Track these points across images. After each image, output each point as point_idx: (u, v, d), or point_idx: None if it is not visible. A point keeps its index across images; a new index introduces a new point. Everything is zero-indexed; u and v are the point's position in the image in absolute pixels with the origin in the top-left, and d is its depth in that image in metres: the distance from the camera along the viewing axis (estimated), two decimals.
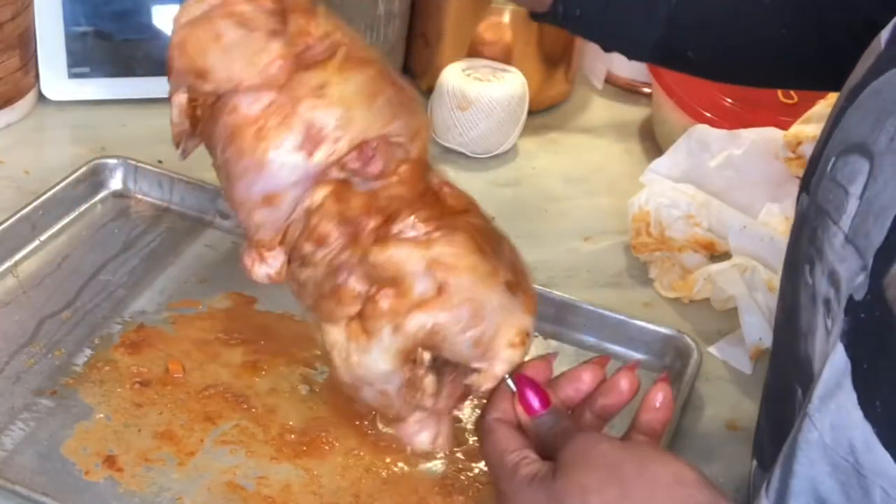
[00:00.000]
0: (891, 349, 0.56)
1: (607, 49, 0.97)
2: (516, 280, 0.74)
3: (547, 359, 0.74)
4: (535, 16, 0.94)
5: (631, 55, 0.97)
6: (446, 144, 1.25)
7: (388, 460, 0.87)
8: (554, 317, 1.01)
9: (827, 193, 0.64)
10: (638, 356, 1.00)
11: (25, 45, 1.21)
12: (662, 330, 1.01)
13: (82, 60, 1.25)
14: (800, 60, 0.91)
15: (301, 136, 0.72)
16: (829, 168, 0.65)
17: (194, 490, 0.84)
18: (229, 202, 0.76)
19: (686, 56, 0.92)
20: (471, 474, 0.87)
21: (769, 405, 0.77)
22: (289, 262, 0.76)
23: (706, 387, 0.99)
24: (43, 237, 1.05)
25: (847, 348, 0.59)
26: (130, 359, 0.94)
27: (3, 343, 0.94)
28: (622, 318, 1.01)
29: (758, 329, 1.03)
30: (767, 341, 1.03)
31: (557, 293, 1.02)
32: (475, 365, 0.73)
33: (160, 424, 0.88)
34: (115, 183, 1.12)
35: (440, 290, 0.71)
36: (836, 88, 0.71)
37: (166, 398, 0.90)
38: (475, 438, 0.89)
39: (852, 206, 0.61)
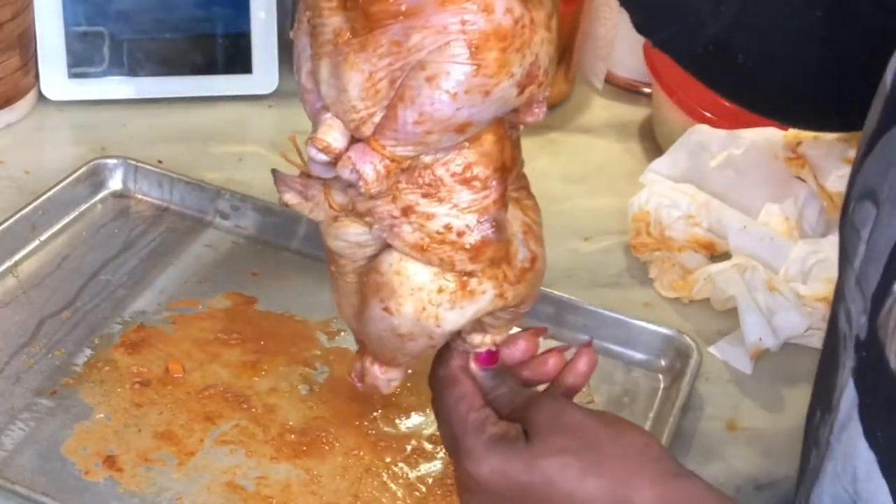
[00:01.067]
0: (883, 385, 0.60)
1: (659, 42, 0.88)
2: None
3: (536, 331, 0.74)
4: None
5: (682, 48, 0.88)
6: None
7: (388, 460, 0.87)
8: (554, 317, 1.01)
9: (847, 236, 0.67)
10: (638, 356, 1.00)
11: (25, 45, 1.21)
12: (662, 330, 1.01)
13: (82, 60, 1.25)
14: (842, 85, 0.85)
15: (524, 71, 0.63)
16: (849, 213, 0.67)
17: (194, 490, 0.84)
18: (349, 319, 0.71)
19: (735, 59, 0.86)
20: None
21: (806, 423, 0.77)
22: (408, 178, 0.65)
23: (706, 387, 0.99)
24: (43, 237, 1.05)
25: (856, 383, 0.63)
26: (130, 359, 0.94)
27: (3, 343, 0.94)
28: (622, 318, 1.01)
29: (758, 329, 1.02)
30: (767, 341, 1.03)
31: (557, 293, 1.02)
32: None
33: (160, 424, 0.88)
34: (115, 183, 1.12)
35: (532, 263, 0.69)
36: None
37: (166, 398, 0.90)
38: None
39: (862, 249, 0.64)
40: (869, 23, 0.83)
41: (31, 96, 1.24)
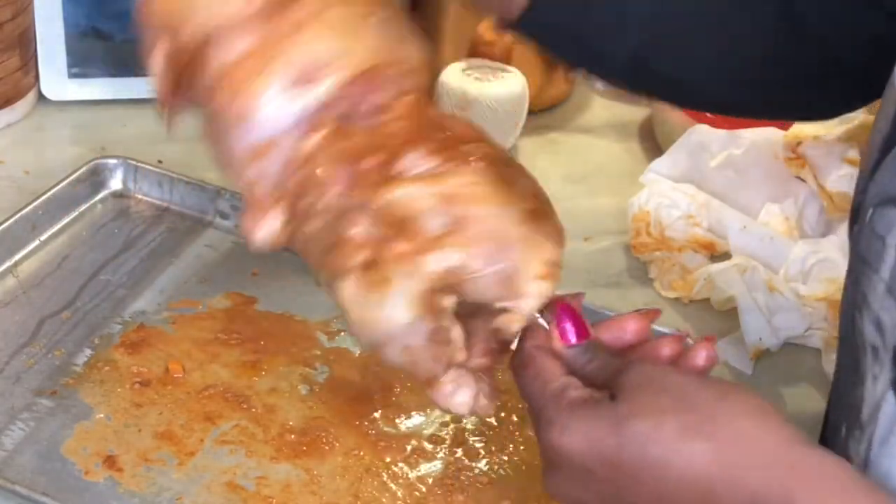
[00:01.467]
0: None
1: (578, 64, 0.89)
2: (539, 208, 0.68)
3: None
4: (504, 24, 0.84)
5: (603, 71, 0.88)
6: None
7: (388, 460, 0.87)
8: None
9: (868, 244, 0.65)
10: None
11: (25, 45, 1.21)
12: (662, 330, 1.00)
13: (82, 60, 1.25)
14: (794, 82, 0.84)
15: (291, 75, 0.66)
16: (867, 219, 0.65)
17: (194, 490, 0.84)
18: (221, 167, 0.71)
19: (664, 74, 0.85)
20: (471, 474, 0.87)
21: (826, 439, 0.76)
22: (291, 220, 0.70)
23: None
24: (43, 237, 1.05)
25: None
26: (130, 359, 0.93)
27: (3, 343, 0.94)
28: None
29: (758, 329, 1.02)
30: (767, 341, 1.03)
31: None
32: (501, 305, 0.67)
33: (160, 424, 0.88)
34: (115, 183, 1.12)
35: (457, 224, 0.65)
36: (835, 114, 0.70)
37: (166, 398, 0.90)
38: (475, 438, 0.89)
39: (891, 256, 0.62)
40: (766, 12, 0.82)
41: (31, 96, 1.24)
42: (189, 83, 0.70)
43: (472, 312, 0.68)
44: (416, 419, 0.90)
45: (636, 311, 0.69)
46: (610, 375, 0.62)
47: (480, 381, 0.70)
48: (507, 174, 0.68)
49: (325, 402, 0.91)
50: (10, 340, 0.94)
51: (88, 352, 0.94)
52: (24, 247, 1.03)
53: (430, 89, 0.71)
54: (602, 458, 0.59)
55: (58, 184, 1.07)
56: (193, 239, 1.08)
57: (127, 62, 1.26)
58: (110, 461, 0.85)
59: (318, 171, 0.68)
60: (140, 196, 1.12)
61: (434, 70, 0.72)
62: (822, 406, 0.84)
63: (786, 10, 0.82)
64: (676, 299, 1.09)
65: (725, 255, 1.12)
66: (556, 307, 0.66)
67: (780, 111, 0.95)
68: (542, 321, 0.67)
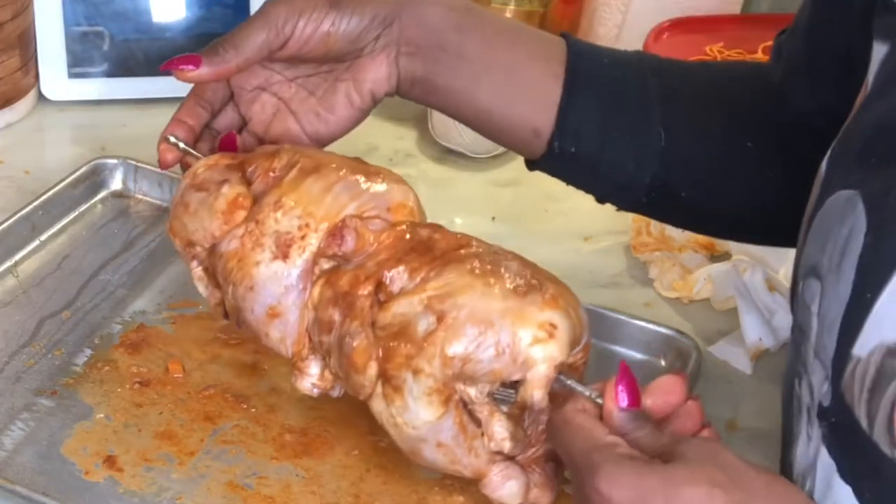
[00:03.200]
0: (859, 446, 0.61)
1: (601, 197, 0.93)
2: (526, 283, 0.73)
3: (681, 376, 0.70)
4: (530, 164, 0.91)
5: (626, 200, 0.92)
6: (446, 144, 1.25)
7: (388, 460, 0.87)
8: None
9: (800, 314, 0.69)
10: (638, 356, 1.00)
11: (25, 45, 1.21)
12: (662, 330, 1.01)
13: (82, 60, 1.25)
14: (789, 205, 0.84)
15: (273, 247, 0.79)
16: (798, 292, 0.70)
17: (194, 490, 0.84)
18: (255, 338, 0.82)
19: (680, 196, 0.89)
20: None
21: None
22: (325, 364, 0.80)
23: (706, 387, 0.99)
24: (43, 237, 1.05)
25: (829, 450, 0.64)
26: (130, 359, 0.94)
27: (3, 343, 0.94)
28: (622, 318, 1.01)
29: (758, 329, 1.03)
30: (767, 341, 1.03)
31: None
32: (516, 377, 0.71)
33: (160, 424, 0.88)
34: (115, 183, 1.12)
35: (440, 318, 0.71)
36: None
37: (166, 398, 0.90)
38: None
39: (814, 323, 0.66)
40: (804, 147, 0.84)
41: (31, 96, 1.24)
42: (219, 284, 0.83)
43: (523, 407, 0.72)
44: None
45: (671, 373, 0.71)
46: (661, 446, 0.64)
47: (531, 472, 0.74)
48: (495, 263, 0.74)
49: (325, 402, 0.91)
50: (10, 340, 0.94)
51: (88, 352, 0.94)
52: (24, 247, 1.03)
53: (410, 220, 0.79)
54: None
55: (58, 184, 1.08)
56: None
57: (127, 62, 1.26)
58: (110, 461, 0.85)
59: (323, 314, 0.77)
60: (140, 196, 1.12)
61: (410, 201, 0.82)
62: None
63: (786, 141, 0.87)
64: (676, 299, 1.09)
65: (725, 255, 1.12)
66: (619, 368, 0.67)
67: (787, 239, 0.93)
68: (569, 383, 0.70)
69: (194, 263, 0.85)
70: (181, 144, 0.86)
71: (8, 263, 1.02)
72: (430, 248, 0.76)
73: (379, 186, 0.80)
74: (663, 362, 1.00)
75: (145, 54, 1.26)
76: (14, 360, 0.93)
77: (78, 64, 1.25)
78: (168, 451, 0.86)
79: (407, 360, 0.72)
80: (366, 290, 0.75)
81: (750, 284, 1.05)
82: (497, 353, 0.71)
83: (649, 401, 0.67)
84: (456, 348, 0.71)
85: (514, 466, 0.74)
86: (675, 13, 1.38)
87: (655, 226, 1.13)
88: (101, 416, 0.88)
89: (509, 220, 1.18)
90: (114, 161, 1.12)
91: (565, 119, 0.86)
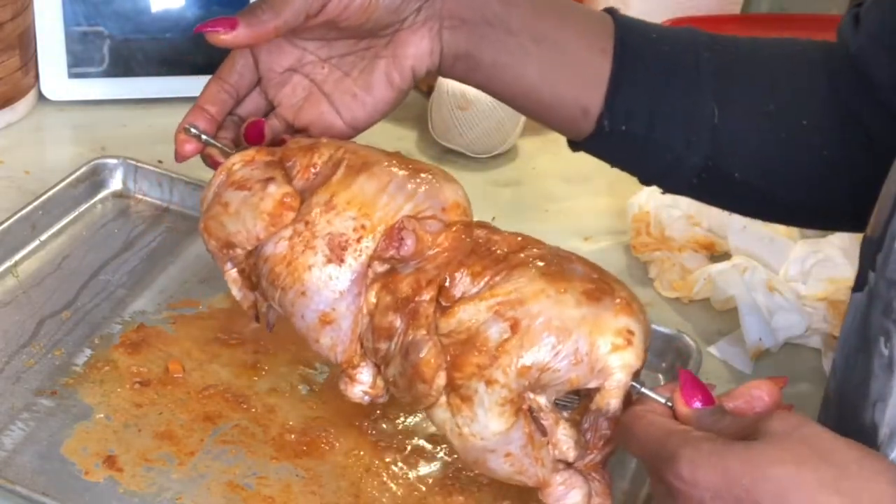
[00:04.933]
0: None
1: (648, 179, 0.89)
2: (597, 287, 0.71)
3: (777, 382, 0.67)
4: (573, 145, 0.88)
5: (675, 182, 0.89)
6: (446, 145, 1.25)
7: (388, 460, 0.87)
8: None
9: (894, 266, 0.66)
10: None
11: (25, 45, 1.21)
12: (662, 330, 1.00)
13: (82, 60, 1.25)
14: (849, 187, 0.83)
15: (326, 250, 0.75)
16: (890, 244, 0.67)
17: (194, 490, 0.84)
18: (306, 343, 0.79)
19: (732, 178, 0.86)
20: (471, 474, 0.86)
21: None
22: (378, 371, 0.77)
23: None
24: (43, 237, 1.05)
25: None
26: (130, 359, 0.93)
27: (3, 343, 0.94)
28: None
29: (758, 329, 1.03)
30: (767, 341, 1.03)
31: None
32: (593, 385, 0.70)
33: (160, 424, 0.88)
34: (115, 183, 1.12)
35: (514, 326, 0.70)
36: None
37: (166, 398, 0.90)
38: None
39: None
40: (866, 124, 0.83)
41: (31, 96, 1.24)
42: (260, 288, 0.80)
43: (582, 411, 0.72)
44: (416, 419, 0.90)
45: (768, 378, 0.68)
46: (743, 427, 0.62)
47: (592, 480, 0.73)
48: (560, 266, 0.72)
49: (325, 402, 0.91)
50: (10, 340, 0.94)
51: (88, 352, 0.94)
52: (24, 247, 1.03)
53: (465, 220, 0.77)
54: (734, 496, 0.58)
55: (58, 184, 1.08)
56: (193, 239, 1.08)
57: (127, 62, 1.26)
58: (110, 461, 0.85)
59: (381, 320, 0.74)
60: (140, 196, 1.12)
61: (464, 199, 0.79)
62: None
63: (851, 119, 0.84)
64: (676, 299, 1.09)
65: (725, 255, 1.12)
66: (680, 374, 0.67)
67: (841, 222, 0.93)
68: (644, 390, 0.69)
69: (229, 265, 0.81)
70: (202, 136, 0.82)
71: (8, 263, 1.02)
72: (490, 250, 0.74)
73: (433, 186, 0.77)
74: (663, 362, 1.00)
75: (145, 54, 1.26)
76: (14, 360, 0.93)
77: (78, 64, 1.25)
78: (168, 451, 0.86)
79: (479, 369, 0.70)
80: (428, 295, 0.73)
81: (750, 284, 1.05)
82: (575, 362, 0.69)
83: (731, 404, 0.65)
84: (533, 358, 0.69)
85: (577, 475, 0.73)
86: (675, 13, 1.38)
87: (655, 226, 1.13)
88: (101, 416, 0.88)
89: (509, 220, 1.17)
90: (114, 161, 1.12)
91: (615, 96, 0.83)
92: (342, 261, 0.75)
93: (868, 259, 0.70)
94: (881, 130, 0.80)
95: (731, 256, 1.10)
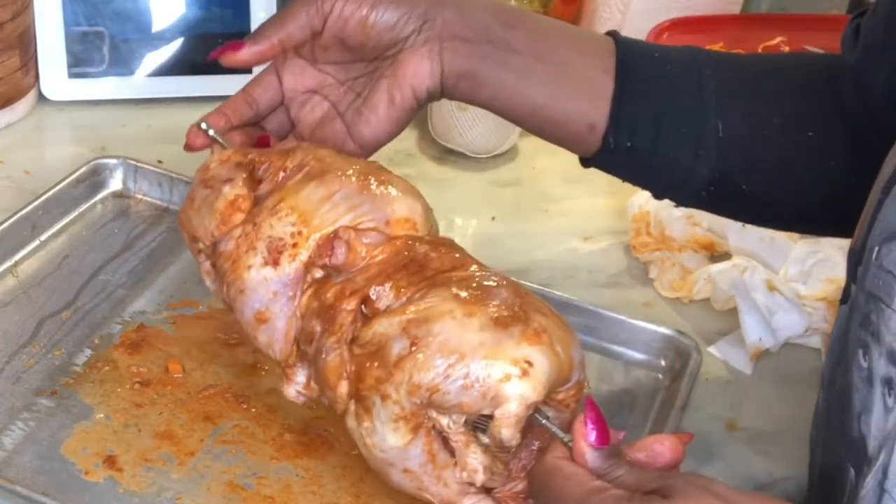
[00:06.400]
0: None
1: (659, 193, 0.91)
2: (511, 315, 0.70)
3: (681, 438, 0.67)
4: (584, 161, 0.89)
5: (685, 195, 0.90)
6: (446, 144, 1.25)
7: None
8: None
9: (876, 280, 0.66)
10: (638, 356, 1.00)
11: (25, 45, 1.21)
12: (662, 330, 1.01)
13: (82, 60, 1.25)
14: (859, 196, 0.82)
15: (265, 252, 0.78)
16: (874, 257, 0.67)
17: (194, 490, 0.84)
18: (248, 339, 0.81)
19: (740, 190, 0.87)
20: None
21: (818, 487, 0.76)
22: (312, 374, 0.78)
23: (706, 387, 0.99)
24: (43, 237, 1.05)
25: None
26: (130, 359, 0.94)
27: (3, 343, 0.94)
28: (622, 318, 1.01)
29: (758, 329, 1.03)
30: (767, 341, 1.03)
31: (557, 293, 1.02)
32: (486, 412, 0.69)
33: (160, 424, 0.88)
34: (115, 183, 1.12)
35: (413, 344, 0.69)
36: None
37: (166, 398, 0.90)
38: None
39: None
40: (868, 135, 0.83)
41: (31, 96, 1.24)
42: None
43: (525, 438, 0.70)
44: None
45: (672, 433, 0.68)
46: (646, 483, 0.62)
47: None
48: (482, 290, 0.71)
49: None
50: (10, 340, 0.94)
51: (88, 352, 0.94)
52: (24, 247, 1.03)
53: (411, 235, 0.77)
54: None
55: (58, 184, 1.08)
56: None
57: (127, 62, 1.26)
58: (110, 461, 0.85)
59: (305, 325, 0.76)
60: (140, 196, 1.12)
61: (419, 214, 0.79)
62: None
63: (855, 129, 0.85)
64: (676, 299, 1.09)
65: (725, 255, 1.12)
66: (585, 402, 0.65)
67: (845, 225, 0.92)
68: (549, 425, 0.67)
69: (202, 258, 0.84)
70: (211, 132, 0.85)
71: (8, 263, 1.02)
72: (423, 266, 0.74)
73: (383, 198, 0.78)
74: (663, 362, 1.00)
75: (145, 54, 1.26)
76: (14, 360, 0.92)
77: (78, 64, 1.25)
78: (168, 451, 0.86)
79: (377, 382, 0.70)
80: (350, 304, 0.74)
81: (750, 284, 1.05)
82: (465, 387, 0.68)
83: (633, 455, 0.65)
84: (424, 377, 0.68)
85: (488, 500, 0.72)
86: (674, 13, 1.38)
87: (655, 226, 1.13)
88: (101, 416, 0.88)
89: (509, 220, 1.18)
90: (114, 161, 1.12)
91: (619, 112, 0.84)
92: (277, 264, 0.77)
93: (851, 271, 0.71)
94: (879, 142, 0.80)
95: (731, 256, 1.10)
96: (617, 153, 0.86)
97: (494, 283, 0.72)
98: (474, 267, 0.75)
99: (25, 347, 0.94)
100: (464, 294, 0.71)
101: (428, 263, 0.74)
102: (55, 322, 0.97)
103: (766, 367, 1.03)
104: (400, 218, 0.78)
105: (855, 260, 0.70)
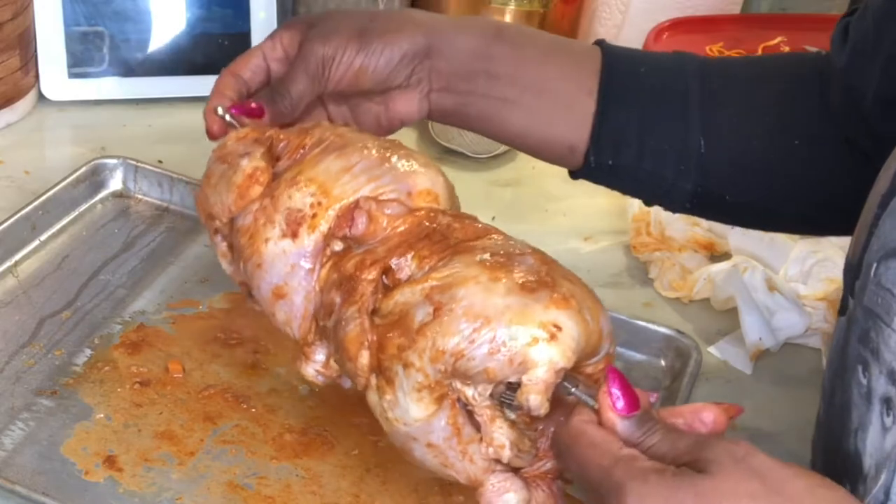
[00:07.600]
0: None
1: (648, 202, 0.94)
2: (538, 280, 0.67)
3: (729, 409, 0.64)
4: (573, 174, 0.92)
5: (670, 205, 0.92)
6: (446, 145, 1.25)
7: (387, 460, 0.87)
8: None
9: (875, 297, 0.66)
10: (638, 356, 1.00)
11: (25, 45, 1.21)
12: (662, 330, 1.01)
13: (82, 60, 1.25)
14: (840, 201, 0.83)
15: (283, 224, 0.76)
16: (872, 273, 0.66)
17: (194, 490, 0.84)
18: (266, 315, 0.79)
19: (724, 200, 0.88)
20: None
21: None
22: (332, 351, 0.76)
23: (706, 387, 0.99)
24: (43, 237, 1.05)
25: None
26: (130, 359, 0.94)
27: (3, 343, 0.94)
28: (622, 318, 1.01)
29: (757, 329, 1.03)
30: (767, 341, 1.03)
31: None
32: (513, 379, 0.65)
33: (160, 424, 0.88)
34: (115, 183, 1.12)
35: (437, 310, 0.67)
36: None
37: (166, 398, 0.90)
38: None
39: None
40: (856, 138, 0.83)
41: (31, 96, 1.24)
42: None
43: (533, 418, 0.68)
44: None
45: (716, 403, 0.64)
46: (683, 451, 0.59)
47: (536, 489, 0.69)
48: (507, 257, 0.69)
49: (325, 402, 0.91)
50: (10, 340, 0.94)
51: (88, 352, 0.94)
52: (24, 247, 1.03)
53: (433, 207, 0.76)
54: None
55: (58, 184, 1.08)
56: (193, 239, 1.08)
57: (127, 62, 1.26)
58: (110, 461, 0.85)
59: (325, 298, 0.74)
60: (140, 196, 1.12)
61: (439, 187, 0.78)
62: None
63: (843, 132, 0.85)
64: (676, 299, 1.09)
65: (725, 255, 1.12)
66: (607, 373, 0.63)
67: (831, 226, 0.93)
68: (579, 393, 0.64)
69: (218, 238, 0.82)
70: (227, 117, 0.84)
71: (8, 263, 1.02)
72: (446, 236, 0.72)
73: (404, 170, 0.76)
74: (663, 362, 1.00)
75: (145, 54, 1.26)
76: (14, 360, 0.93)
77: (78, 64, 1.25)
78: (168, 451, 0.86)
79: (399, 350, 0.67)
80: (370, 274, 0.71)
81: (750, 284, 1.05)
82: (491, 352, 0.65)
83: (680, 421, 0.62)
84: (448, 343, 0.65)
85: (516, 479, 0.68)
86: (674, 13, 1.38)
87: (655, 226, 1.13)
88: (101, 416, 0.88)
89: (509, 219, 1.18)
90: (114, 161, 1.12)
91: (600, 133, 0.87)
92: (296, 236, 0.75)
93: (848, 284, 0.71)
94: (871, 146, 0.80)
95: (731, 256, 1.10)
96: (599, 171, 0.89)
97: (520, 252, 0.70)
98: (499, 236, 0.73)
99: (25, 347, 0.94)
100: (489, 260, 0.68)
101: (451, 233, 0.72)
102: (55, 322, 0.97)
103: (766, 367, 1.03)
104: (422, 190, 0.76)
105: (852, 274, 0.69)
